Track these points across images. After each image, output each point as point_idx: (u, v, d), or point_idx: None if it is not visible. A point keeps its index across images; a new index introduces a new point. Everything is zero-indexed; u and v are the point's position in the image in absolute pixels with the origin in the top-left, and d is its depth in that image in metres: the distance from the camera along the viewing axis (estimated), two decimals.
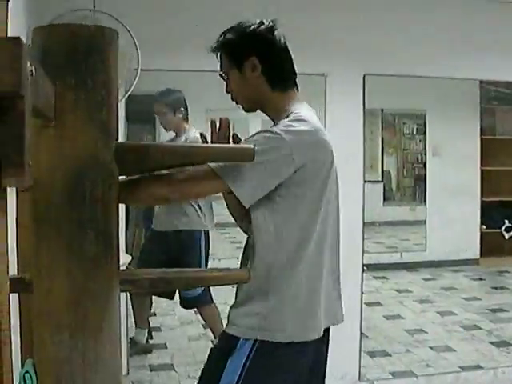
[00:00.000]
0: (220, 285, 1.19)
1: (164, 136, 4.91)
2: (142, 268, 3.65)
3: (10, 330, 0.76)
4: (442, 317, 4.93)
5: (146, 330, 4.08)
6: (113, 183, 1.11)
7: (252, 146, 1.12)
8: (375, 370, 3.67)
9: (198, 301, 3.80)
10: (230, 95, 1.89)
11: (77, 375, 1.10)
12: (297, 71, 1.89)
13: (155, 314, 4.68)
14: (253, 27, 1.84)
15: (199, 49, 2.56)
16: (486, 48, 3.34)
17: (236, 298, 1.88)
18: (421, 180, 7.26)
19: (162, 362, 3.85)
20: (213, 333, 3.91)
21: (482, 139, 6.98)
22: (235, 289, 1.86)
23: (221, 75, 1.88)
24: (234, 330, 1.82)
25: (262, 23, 1.85)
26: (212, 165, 1.53)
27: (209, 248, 3.91)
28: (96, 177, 1.08)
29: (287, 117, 1.76)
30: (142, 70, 2.50)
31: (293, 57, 1.87)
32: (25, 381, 1.16)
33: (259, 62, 1.81)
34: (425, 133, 7.14)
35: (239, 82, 1.83)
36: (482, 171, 6.93)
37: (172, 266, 3.67)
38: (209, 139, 1.81)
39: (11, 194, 1.60)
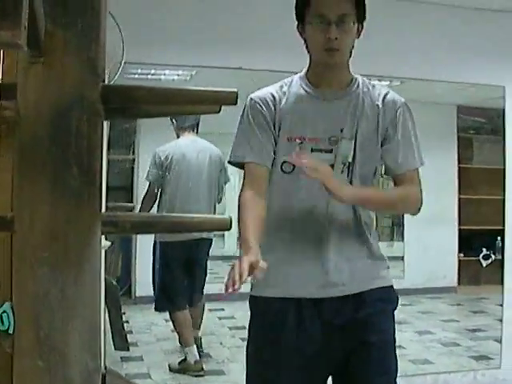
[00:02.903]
0: (201, 230, 1.20)
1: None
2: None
3: None
4: (420, 335, 4.93)
5: (195, 347, 3.85)
6: (98, 122, 1.13)
7: (236, 90, 1.15)
8: None
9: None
10: (332, 41, 1.93)
11: (55, 311, 1.10)
12: None
13: (132, 332, 4.63)
14: None
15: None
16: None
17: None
18: (398, 218, 7.30)
19: (139, 371, 3.80)
20: (180, 341, 3.87)
21: (459, 168, 7.07)
22: None
23: (338, 19, 1.92)
24: (389, 281, 1.98)
25: None
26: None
27: None
28: (82, 114, 1.10)
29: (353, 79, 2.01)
30: (125, 62, 2.53)
31: None
32: (2, 320, 1.16)
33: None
34: None
35: (352, 36, 1.95)
36: (459, 200, 7.00)
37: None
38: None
39: None
